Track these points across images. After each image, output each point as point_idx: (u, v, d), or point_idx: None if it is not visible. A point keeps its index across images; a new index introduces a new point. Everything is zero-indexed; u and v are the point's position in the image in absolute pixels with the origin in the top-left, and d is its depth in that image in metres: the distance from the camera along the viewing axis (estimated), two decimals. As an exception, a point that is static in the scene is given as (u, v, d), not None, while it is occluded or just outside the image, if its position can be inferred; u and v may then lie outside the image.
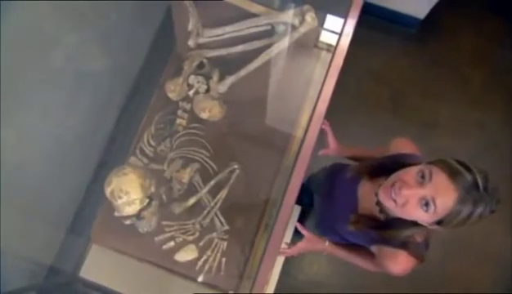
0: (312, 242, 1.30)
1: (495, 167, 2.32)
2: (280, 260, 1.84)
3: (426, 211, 0.89)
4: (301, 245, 1.30)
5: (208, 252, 1.43)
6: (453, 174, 0.86)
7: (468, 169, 0.86)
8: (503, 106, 2.47)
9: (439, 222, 0.91)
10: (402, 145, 1.16)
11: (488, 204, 0.85)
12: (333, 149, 1.42)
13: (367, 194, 1.14)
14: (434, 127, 2.43)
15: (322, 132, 1.37)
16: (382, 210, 1.07)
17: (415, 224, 0.97)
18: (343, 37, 1.09)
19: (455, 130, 2.43)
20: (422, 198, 0.89)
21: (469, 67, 2.52)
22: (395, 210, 0.96)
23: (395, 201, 0.93)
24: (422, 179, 0.89)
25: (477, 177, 0.85)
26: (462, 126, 2.44)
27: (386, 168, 1.04)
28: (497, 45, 2.57)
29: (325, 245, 1.30)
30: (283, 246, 1.32)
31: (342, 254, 1.30)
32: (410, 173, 0.93)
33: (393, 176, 0.97)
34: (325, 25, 1.63)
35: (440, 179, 0.87)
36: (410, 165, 0.97)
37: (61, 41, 1.19)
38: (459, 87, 2.50)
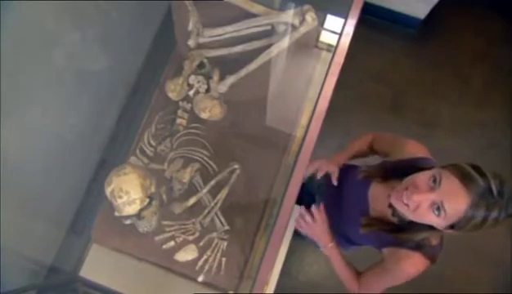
0: (324, 223, 1.23)
1: (496, 166, 2.31)
2: (280, 260, 1.84)
3: (438, 215, 0.89)
4: (315, 225, 1.24)
5: (208, 252, 1.43)
6: (465, 179, 0.85)
7: (481, 174, 0.86)
8: (504, 106, 2.47)
9: (452, 226, 0.91)
10: (417, 149, 1.15)
11: (504, 209, 0.84)
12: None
13: (379, 197, 1.14)
14: (435, 127, 2.43)
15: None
16: (395, 213, 1.06)
17: (430, 227, 0.96)
18: (343, 37, 1.09)
19: (456, 130, 2.43)
20: (433, 203, 0.89)
21: (469, 67, 2.52)
22: (408, 214, 0.96)
23: (407, 205, 0.93)
24: (433, 183, 0.89)
25: (491, 182, 0.84)
26: (463, 126, 2.43)
27: (399, 171, 1.04)
28: (498, 45, 2.57)
29: (330, 244, 1.24)
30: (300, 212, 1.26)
31: (337, 261, 1.25)
32: (422, 178, 0.93)
33: (406, 181, 0.97)
34: (326, 25, 1.63)
35: (451, 184, 0.86)
36: (423, 169, 0.97)
37: (62, 40, 1.19)
38: (459, 87, 2.50)
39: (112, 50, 1.46)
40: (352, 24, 1.09)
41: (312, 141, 1.02)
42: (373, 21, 2.51)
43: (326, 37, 1.65)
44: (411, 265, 1.05)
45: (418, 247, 1.03)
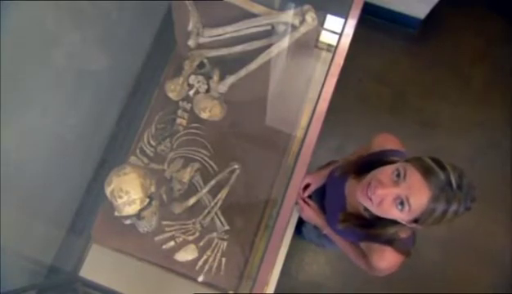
0: (314, 210, 1.34)
1: (495, 166, 2.32)
2: (280, 260, 1.84)
3: (401, 210, 0.89)
4: (306, 207, 1.36)
5: (208, 252, 1.43)
6: (427, 173, 0.86)
7: (442, 167, 0.86)
8: (504, 106, 2.47)
9: (416, 220, 0.92)
10: (386, 141, 1.16)
11: (462, 202, 0.85)
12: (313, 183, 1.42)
13: (353, 192, 1.15)
14: (435, 127, 2.42)
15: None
16: (366, 208, 1.07)
17: (397, 222, 0.97)
18: (343, 38, 1.08)
19: (456, 130, 2.42)
20: (397, 198, 0.90)
21: (469, 67, 2.52)
22: (372, 208, 0.97)
23: (371, 199, 0.94)
24: (397, 178, 0.90)
25: (450, 175, 0.85)
26: (463, 126, 2.43)
27: (371, 166, 1.04)
28: (498, 44, 2.56)
29: (325, 228, 1.32)
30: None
31: (337, 239, 1.31)
32: (385, 172, 0.93)
33: (370, 175, 0.98)
34: (326, 25, 1.63)
35: (414, 178, 0.87)
36: (392, 162, 0.98)
37: (62, 40, 1.19)
38: (459, 87, 2.50)
39: (112, 50, 1.46)
40: (352, 24, 1.09)
41: (312, 142, 1.02)
42: (373, 21, 2.51)
43: (326, 38, 1.65)
44: (382, 259, 1.06)
45: (389, 241, 1.04)
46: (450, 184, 0.85)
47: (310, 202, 1.36)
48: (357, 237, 1.15)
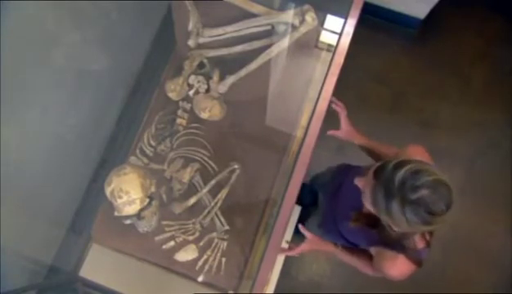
0: (314, 243, 1.29)
1: (495, 166, 2.32)
2: (280, 260, 1.84)
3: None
4: (303, 247, 1.28)
5: (209, 252, 1.43)
6: (378, 167, 0.91)
7: (396, 166, 0.87)
8: (504, 106, 2.47)
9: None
10: (416, 153, 1.15)
11: (407, 203, 0.84)
12: (344, 131, 1.30)
13: None
14: (434, 127, 2.42)
15: (334, 113, 1.27)
16: None
17: None
18: (343, 37, 1.09)
19: (456, 130, 2.42)
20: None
21: (469, 67, 2.52)
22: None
23: None
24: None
25: (397, 174, 0.86)
26: (463, 126, 2.43)
27: None
28: (498, 45, 2.56)
29: (334, 248, 1.29)
30: (284, 245, 1.31)
31: (346, 257, 1.30)
32: None
33: None
34: (326, 25, 1.63)
35: (370, 172, 0.94)
36: None
37: (62, 40, 1.19)
38: (459, 87, 2.49)
39: (112, 50, 1.46)
40: (352, 24, 1.09)
41: (312, 141, 1.03)
42: (373, 21, 2.51)
43: (326, 37, 1.65)
44: (394, 266, 1.06)
45: (402, 249, 1.04)
46: (392, 181, 0.86)
47: (307, 233, 1.28)
48: (370, 241, 1.14)
